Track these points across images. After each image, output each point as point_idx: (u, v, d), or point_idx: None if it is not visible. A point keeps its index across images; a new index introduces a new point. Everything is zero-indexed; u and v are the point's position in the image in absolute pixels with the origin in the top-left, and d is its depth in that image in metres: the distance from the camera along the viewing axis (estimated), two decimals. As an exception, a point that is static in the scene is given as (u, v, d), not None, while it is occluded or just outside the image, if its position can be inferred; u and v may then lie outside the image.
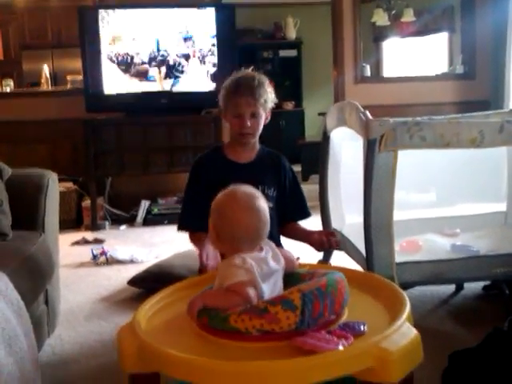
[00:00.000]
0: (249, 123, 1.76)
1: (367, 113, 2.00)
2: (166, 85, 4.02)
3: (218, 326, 1.07)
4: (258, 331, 1.03)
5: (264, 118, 1.81)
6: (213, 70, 4.02)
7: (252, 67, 1.87)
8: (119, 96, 4.00)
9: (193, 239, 1.81)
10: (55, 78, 5.72)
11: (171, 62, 4.01)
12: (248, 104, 1.75)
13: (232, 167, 1.84)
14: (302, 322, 1.02)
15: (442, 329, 2.04)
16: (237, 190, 1.21)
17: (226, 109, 1.81)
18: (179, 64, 4.02)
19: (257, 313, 1.03)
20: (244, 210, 1.16)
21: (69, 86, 4.56)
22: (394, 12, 5.58)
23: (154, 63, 4.00)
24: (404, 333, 1.02)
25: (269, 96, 1.79)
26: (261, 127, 1.82)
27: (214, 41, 4.00)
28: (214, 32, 3.99)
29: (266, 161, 1.89)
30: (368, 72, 4.90)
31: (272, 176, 1.87)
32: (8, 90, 4.70)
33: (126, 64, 3.97)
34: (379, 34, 6.17)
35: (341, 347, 0.96)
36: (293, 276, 1.21)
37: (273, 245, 1.22)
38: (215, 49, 4.00)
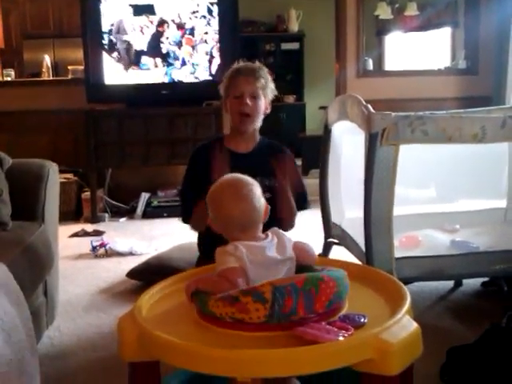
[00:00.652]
0: (249, 102, 1.78)
1: (369, 106, 1.99)
2: (160, 73, 4.01)
3: (201, 309, 1.10)
4: (230, 318, 1.04)
5: (264, 104, 1.83)
6: (214, 61, 4.01)
7: (256, 61, 1.91)
8: (120, 87, 3.99)
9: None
10: (56, 68, 5.70)
11: (164, 50, 3.99)
12: (248, 82, 1.78)
13: (230, 156, 1.84)
14: (271, 316, 1.02)
15: (440, 324, 2.04)
16: (226, 179, 1.23)
17: (226, 94, 1.84)
18: (173, 52, 4.00)
19: (229, 300, 1.04)
20: (230, 199, 1.18)
21: (70, 77, 4.54)
22: (397, 5, 5.55)
23: (150, 52, 3.98)
24: (404, 325, 1.02)
25: (269, 83, 1.83)
26: (260, 112, 1.84)
27: (213, 30, 3.99)
28: (216, 23, 3.98)
29: (266, 151, 1.89)
30: (370, 66, 4.88)
31: (270, 165, 1.85)
32: (9, 79, 4.68)
33: (123, 53, 3.96)
34: (382, 28, 6.15)
35: (341, 338, 0.96)
36: (307, 269, 1.19)
37: (282, 235, 1.21)
38: (213, 39, 3.99)
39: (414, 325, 1.03)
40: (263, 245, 1.16)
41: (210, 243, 1.68)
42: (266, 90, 1.82)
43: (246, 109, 1.79)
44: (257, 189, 1.21)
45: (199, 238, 1.96)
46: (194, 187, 1.83)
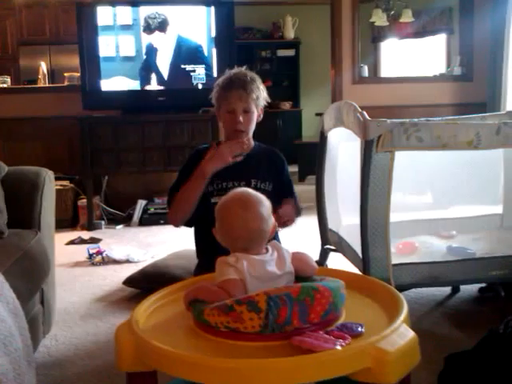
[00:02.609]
0: (241, 119, 1.79)
1: (365, 113, 1.99)
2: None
3: (196, 318, 1.10)
4: (225, 328, 1.04)
5: (256, 115, 1.84)
6: (210, 68, 4.02)
7: (245, 66, 1.89)
8: (116, 93, 3.99)
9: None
10: (52, 75, 5.70)
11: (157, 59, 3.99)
12: (240, 98, 1.78)
13: None
14: (266, 326, 1.02)
15: (438, 331, 2.04)
16: (237, 194, 1.22)
17: (218, 105, 1.85)
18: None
19: (224, 310, 1.04)
20: (238, 218, 1.17)
21: (66, 83, 4.54)
22: (392, 12, 5.59)
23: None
24: (401, 334, 1.02)
25: (261, 93, 1.83)
26: (253, 124, 1.85)
27: (209, 37, 4.00)
28: (212, 30, 3.99)
29: (262, 156, 1.91)
30: (366, 72, 4.90)
31: (267, 170, 1.88)
32: (5, 86, 4.67)
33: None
34: (377, 35, 6.19)
35: (338, 347, 0.96)
36: (306, 280, 1.19)
37: (282, 249, 1.21)
38: (209, 47, 4.00)
39: (412, 333, 1.03)
40: (264, 259, 1.16)
41: (209, 252, 1.70)
42: (259, 101, 1.82)
43: (239, 126, 1.80)
44: (266, 209, 1.20)
45: (198, 247, 1.96)
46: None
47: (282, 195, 1.88)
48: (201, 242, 1.92)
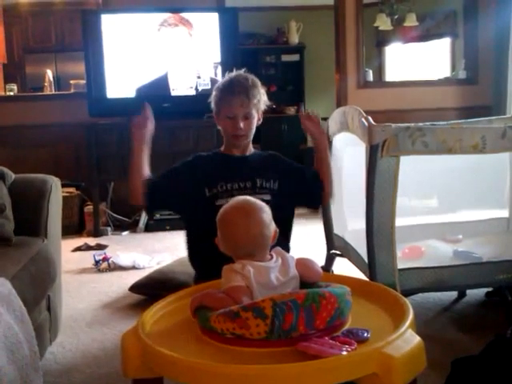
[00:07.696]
0: (242, 125, 1.77)
1: (369, 118, 2.00)
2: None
3: (202, 324, 1.11)
4: (231, 334, 1.05)
5: (256, 119, 1.82)
6: (215, 74, 4.03)
7: (244, 69, 1.86)
8: (122, 100, 4.01)
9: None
10: (58, 82, 5.74)
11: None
12: (241, 104, 1.75)
13: (227, 159, 1.84)
14: (272, 332, 1.02)
15: (444, 336, 2.03)
16: (237, 202, 1.24)
17: (218, 110, 1.82)
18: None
19: (230, 316, 1.04)
20: (240, 226, 1.19)
21: (72, 91, 4.57)
22: (396, 17, 5.59)
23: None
24: (407, 339, 1.02)
25: (261, 97, 1.81)
26: (254, 128, 1.83)
27: (213, 43, 4.02)
28: (217, 35, 4.01)
29: (263, 158, 1.90)
30: (370, 77, 4.91)
31: (271, 170, 1.84)
32: (12, 94, 4.71)
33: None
34: (382, 39, 6.20)
35: (344, 352, 0.96)
36: (312, 287, 1.18)
37: (286, 256, 1.21)
38: (214, 51, 4.02)
39: (417, 338, 1.03)
40: (269, 266, 1.17)
41: (204, 264, 1.69)
42: (259, 106, 1.80)
43: (239, 132, 1.78)
44: (267, 215, 1.22)
45: (192, 259, 1.92)
46: (171, 176, 1.85)
47: (304, 176, 1.86)
48: (202, 248, 1.89)
